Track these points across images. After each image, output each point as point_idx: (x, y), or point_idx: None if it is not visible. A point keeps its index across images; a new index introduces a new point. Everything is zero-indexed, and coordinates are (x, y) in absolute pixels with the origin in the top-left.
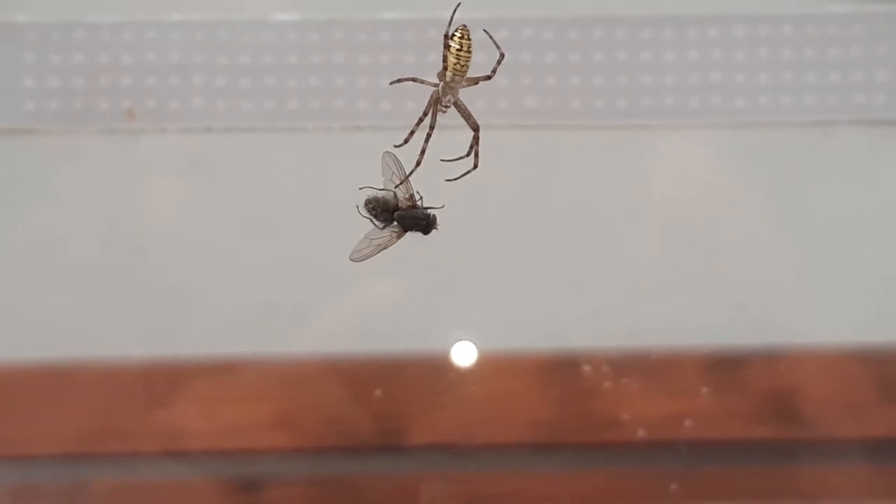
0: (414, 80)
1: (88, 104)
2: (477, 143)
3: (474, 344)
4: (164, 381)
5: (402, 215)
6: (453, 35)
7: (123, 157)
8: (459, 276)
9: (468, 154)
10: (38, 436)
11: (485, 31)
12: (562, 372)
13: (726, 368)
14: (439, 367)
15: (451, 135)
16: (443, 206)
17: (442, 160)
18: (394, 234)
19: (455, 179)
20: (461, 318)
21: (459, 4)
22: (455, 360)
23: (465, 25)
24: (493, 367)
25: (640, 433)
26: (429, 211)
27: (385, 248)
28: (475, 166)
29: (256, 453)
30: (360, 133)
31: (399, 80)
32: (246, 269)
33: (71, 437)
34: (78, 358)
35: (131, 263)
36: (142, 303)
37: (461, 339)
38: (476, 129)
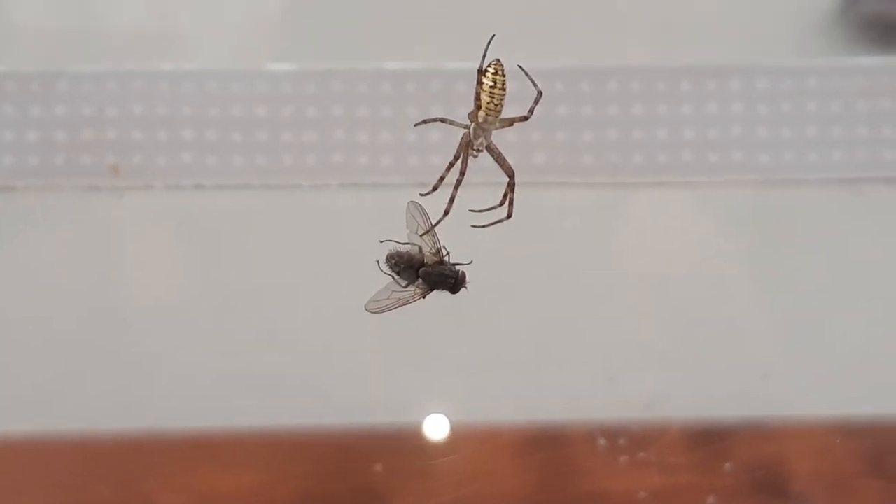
0: (443, 120)
1: (70, 159)
2: (512, 191)
3: (454, 417)
4: (139, 454)
5: (429, 272)
6: (486, 70)
7: (107, 217)
8: (438, 347)
9: (501, 203)
10: None
11: (519, 66)
12: (543, 445)
13: (711, 441)
14: (419, 440)
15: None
16: (471, 262)
17: (470, 210)
18: (417, 292)
19: (483, 227)
20: (441, 390)
21: (494, 36)
22: (435, 434)
23: (498, 60)
24: (472, 441)
25: None
26: (457, 268)
27: (406, 303)
28: (508, 216)
29: None
30: (359, 190)
31: (426, 122)
32: (225, 341)
33: None
34: (51, 431)
35: (109, 334)
36: (117, 374)
37: (440, 412)
38: (511, 175)
